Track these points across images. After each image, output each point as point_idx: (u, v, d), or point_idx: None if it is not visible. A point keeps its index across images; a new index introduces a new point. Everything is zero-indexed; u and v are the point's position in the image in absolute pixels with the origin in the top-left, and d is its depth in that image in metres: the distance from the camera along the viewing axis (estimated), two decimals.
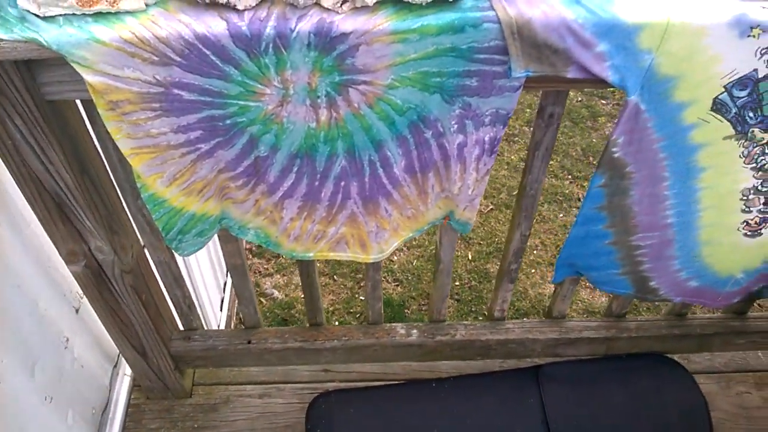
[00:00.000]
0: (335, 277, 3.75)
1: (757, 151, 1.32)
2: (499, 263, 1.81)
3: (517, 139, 4.69)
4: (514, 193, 4.06)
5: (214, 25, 1.05)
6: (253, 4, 1.07)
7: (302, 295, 3.68)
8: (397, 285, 3.68)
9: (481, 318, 3.53)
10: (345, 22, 1.08)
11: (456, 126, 1.24)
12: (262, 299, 3.65)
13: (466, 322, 1.96)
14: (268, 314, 3.55)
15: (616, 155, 1.31)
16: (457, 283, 3.68)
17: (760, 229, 1.52)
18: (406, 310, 3.60)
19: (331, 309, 3.54)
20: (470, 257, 3.88)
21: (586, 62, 1.12)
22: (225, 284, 3.54)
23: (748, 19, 1.09)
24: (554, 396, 1.86)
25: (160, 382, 1.89)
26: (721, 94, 1.21)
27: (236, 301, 3.30)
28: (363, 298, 3.60)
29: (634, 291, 1.74)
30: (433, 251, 3.79)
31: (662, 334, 1.92)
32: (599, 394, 1.88)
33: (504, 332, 1.93)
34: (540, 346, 1.95)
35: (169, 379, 1.88)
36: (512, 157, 4.52)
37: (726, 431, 2.05)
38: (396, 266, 3.79)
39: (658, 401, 1.87)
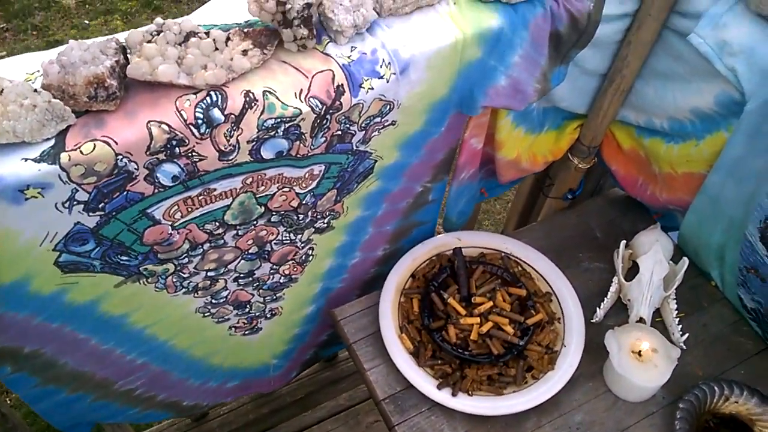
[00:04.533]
0: None
1: (174, 280, 1.06)
2: None
3: None
4: None
5: None
6: None
7: None
8: None
9: None
10: None
11: None
12: None
13: None
14: None
15: None
16: None
17: (256, 325, 1.30)
18: None
19: None
20: None
21: None
22: None
23: (6, 183, 0.77)
24: None
25: None
26: (60, 256, 0.90)
27: None
28: None
29: (175, 414, 1.47)
30: None
31: (251, 420, 1.69)
32: None
33: None
34: None
35: None
36: None
37: None
38: None
39: None
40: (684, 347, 1.25)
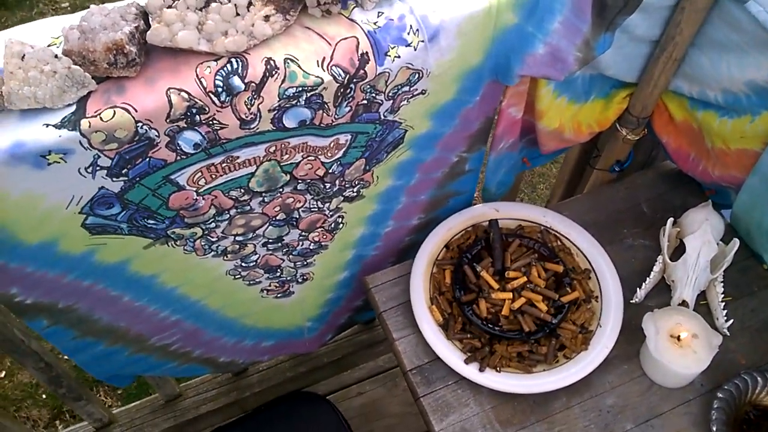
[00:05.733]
0: None
1: (203, 243, 1.07)
2: None
3: None
4: None
5: None
6: None
7: None
8: None
9: None
10: None
11: None
12: None
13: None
14: None
15: None
16: None
17: (288, 288, 1.30)
18: None
19: None
20: None
21: None
22: None
23: (28, 149, 0.78)
24: None
25: None
26: (87, 219, 0.92)
27: None
28: None
29: (213, 370, 1.50)
30: None
31: (289, 377, 1.72)
32: None
33: None
34: None
35: None
36: None
37: None
38: None
39: None
40: (728, 333, 1.19)
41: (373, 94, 0.92)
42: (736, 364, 1.18)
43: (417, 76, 0.94)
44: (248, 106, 0.85)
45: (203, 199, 0.97)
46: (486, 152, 1.24)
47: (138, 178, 0.88)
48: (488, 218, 1.30)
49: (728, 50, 1.06)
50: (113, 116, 0.79)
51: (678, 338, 1.14)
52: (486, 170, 1.30)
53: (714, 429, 1.07)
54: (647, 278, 1.25)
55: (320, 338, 1.55)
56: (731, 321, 1.19)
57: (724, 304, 1.21)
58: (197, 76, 0.81)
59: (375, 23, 0.87)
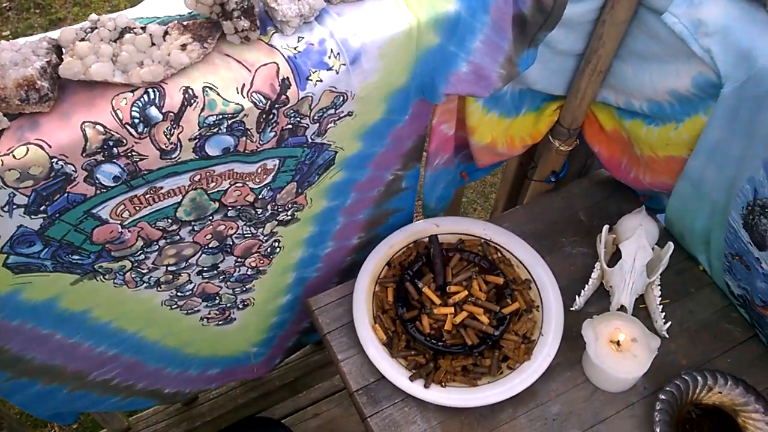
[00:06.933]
0: None
1: (133, 276, 1.05)
2: None
3: None
4: None
5: None
6: None
7: None
8: None
9: None
10: None
11: None
12: None
13: None
14: None
15: None
16: None
17: (229, 315, 1.28)
18: None
19: None
20: None
21: None
22: None
23: None
24: None
25: None
26: (8, 258, 0.90)
27: None
28: None
29: (159, 402, 1.47)
30: None
31: (241, 404, 1.69)
32: None
33: None
34: None
35: None
36: None
37: None
38: None
39: None
40: (666, 336, 1.21)
41: (298, 119, 0.92)
42: (677, 365, 1.20)
43: (341, 98, 0.93)
44: (168, 136, 0.83)
45: (129, 231, 0.95)
46: (421, 169, 1.24)
47: (58, 215, 0.86)
48: (429, 234, 1.31)
49: (650, 60, 1.09)
50: (26, 153, 0.77)
51: (617, 343, 1.15)
52: (423, 187, 1.31)
53: (657, 430, 1.09)
54: (586, 285, 1.26)
55: (269, 362, 1.53)
56: (669, 323, 1.21)
57: (662, 306, 1.23)
58: (113, 108, 0.80)
59: (295, 48, 0.87)
